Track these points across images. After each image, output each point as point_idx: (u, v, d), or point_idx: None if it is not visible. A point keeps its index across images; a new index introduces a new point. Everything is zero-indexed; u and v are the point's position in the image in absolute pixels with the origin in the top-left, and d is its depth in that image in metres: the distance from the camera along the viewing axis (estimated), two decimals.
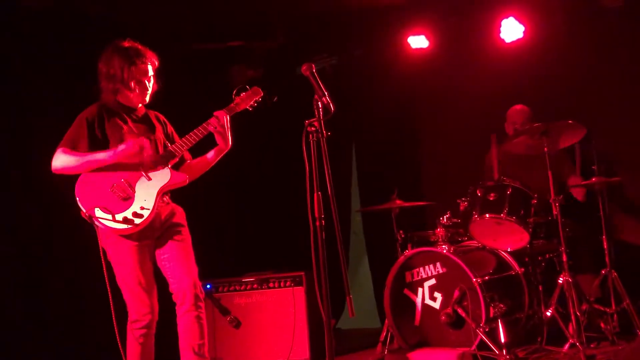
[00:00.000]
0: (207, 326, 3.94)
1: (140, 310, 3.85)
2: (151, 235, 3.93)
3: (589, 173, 4.99)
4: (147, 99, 4.09)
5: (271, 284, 5.48)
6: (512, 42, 6.05)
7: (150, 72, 4.04)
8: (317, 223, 3.25)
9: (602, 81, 5.78)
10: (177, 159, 4.03)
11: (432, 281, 4.94)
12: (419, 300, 4.98)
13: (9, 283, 4.97)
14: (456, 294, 4.73)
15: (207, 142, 4.10)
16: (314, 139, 3.30)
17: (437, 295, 4.90)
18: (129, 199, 3.84)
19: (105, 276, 3.76)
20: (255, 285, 5.52)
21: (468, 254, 5.02)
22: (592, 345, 4.65)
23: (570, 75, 5.87)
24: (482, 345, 4.54)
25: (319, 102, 3.33)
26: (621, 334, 4.78)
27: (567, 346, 4.45)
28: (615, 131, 5.60)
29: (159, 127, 4.13)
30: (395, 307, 5.04)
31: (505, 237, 4.88)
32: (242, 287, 5.54)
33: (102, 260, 3.83)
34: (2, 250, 4.96)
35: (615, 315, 4.84)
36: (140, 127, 4.05)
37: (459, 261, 4.76)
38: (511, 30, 6.02)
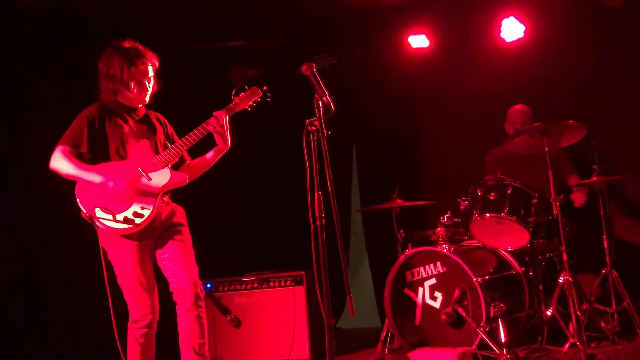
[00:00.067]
0: (208, 325, 3.94)
1: (141, 310, 3.85)
2: (152, 235, 3.93)
3: (589, 173, 4.99)
4: (147, 99, 4.09)
5: (271, 284, 5.48)
6: (513, 42, 6.05)
7: (151, 73, 4.04)
8: (318, 222, 3.25)
9: (603, 81, 5.78)
10: (177, 159, 4.02)
11: (433, 280, 4.94)
12: (419, 299, 4.98)
13: (9, 283, 4.98)
14: (456, 293, 4.73)
15: (207, 142, 4.10)
16: (315, 138, 3.30)
17: (438, 294, 4.90)
18: (129, 200, 3.84)
19: (105, 276, 3.76)
20: (255, 285, 5.52)
21: (468, 254, 5.02)
22: (592, 345, 4.64)
23: (570, 74, 5.87)
24: (483, 345, 4.54)
25: (320, 102, 3.33)
26: (621, 334, 4.78)
27: (567, 346, 4.44)
28: (615, 131, 5.60)
29: (159, 128, 4.13)
30: (395, 306, 5.04)
31: (506, 237, 4.88)
32: (243, 287, 5.54)
33: (103, 260, 3.83)
34: (2, 250, 4.96)
35: (615, 315, 4.84)
36: (141, 127, 4.05)
37: (460, 260, 4.76)
38: (512, 29, 6.02)
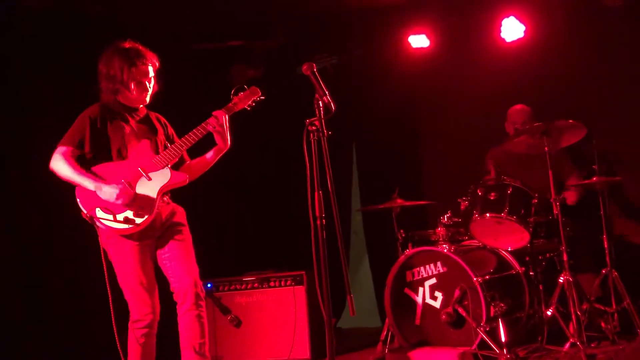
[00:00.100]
0: (208, 325, 3.94)
1: (141, 310, 3.86)
2: (152, 235, 3.93)
3: (589, 173, 4.99)
4: (148, 99, 4.09)
5: (272, 283, 5.48)
6: (513, 42, 6.05)
7: (151, 73, 4.04)
8: (318, 222, 3.25)
9: (603, 81, 5.78)
10: (177, 159, 4.02)
11: (433, 280, 4.94)
12: (419, 299, 4.98)
13: (9, 283, 4.98)
14: (457, 293, 4.73)
15: (207, 142, 4.10)
16: (315, 138, 3.30)
17: (438, 294, 4.90)
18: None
19: (106, 276, 3.76)
20: (255, 285, 5.52)
21: (469, 254, 5.02)
22: (592, 345, 4.64)
23: (570, 74, 5.87)
24: (483, 345, 4.54)
25: (320, 102, 3.33)
26: (622, 334, 4.77)
27: (567, 345, 4.44)
28: (615, 131, 5.60)
29: (159, 129, 4.13)
30: (395, 306, 5.04)
31: (506, 237, 4.88)
32: (243, 286, 5.55)
33: (103, 260, 3.83)
34: (2, 250, 4.96)
35: (615, 315, 4.83)
36: (142, 127, 4.05)
37: (460, 260, 4.76)
38: (512, 29, 6.02)
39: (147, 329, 3.87)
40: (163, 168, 3.92)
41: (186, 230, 4.05)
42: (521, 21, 5.98)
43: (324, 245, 3.24)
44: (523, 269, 4.95)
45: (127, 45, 4.00)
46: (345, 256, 3.70)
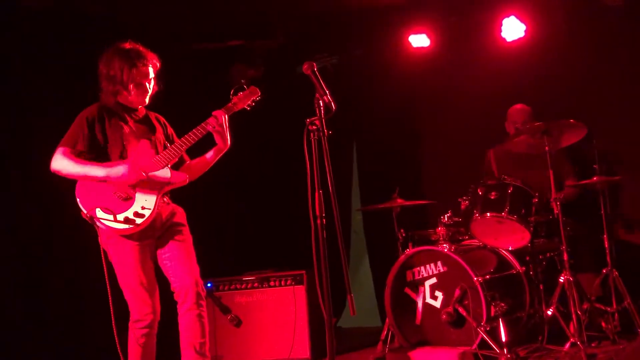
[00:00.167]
0: (208, 325, 3.94)
1: (142, 310, 3.85)
2: (152, 235, 3.93)
3: (590, 172, 4.98)
4: (147, 100, 4.09)
5: (272, 283, 5.48)
6: (513, 41, 6.05)
7: (151, 75, 4.04)
8: (318, 221, 3.25)
9: (603, 80, 5.78)
10: (177, 159, 4.02)
11: (433, 280, 4.93)
12: (419, 299, 4.98)
13: (9, 283, 4.97)
14: (457, 292, 4.73)
15: (207, 142, 4.10)
16: (315, 137, 3.29)
17: (438, 294, 4.90)
18: (129, 199, 3.84)
19: (106, 277, 3.76)
20: (256, 284, 5.52)
21: (469, 253, 5.02)
22: (593, 345, 4.64)
23: (571, 74, 5.87)
24: (483, 344, 4.54)
25: (320, 101, 3.32)
26: (622, 333, 4.78)
27: (568, 345, 4.44)
28: (616, 131, 5.60)
29: (159, 129, 4.13)
30: (396, 305, 5.04)
31: (506, 236, 4.88)
32: (243, 286, 5.55)
33: (103, 260, 3.83)
34: (2, 250, 4.95)
35: (616, 315, 4.84)
36: (141, 127, 4.05)
37: (460, 260, 4.76)
38: (512, 29, 6.02)
39: (147, 329, 3.87)
40: (163, 168, 3.92)
41: (186, 230, 4.05)
42: (522, 21, 5.98)
43: (324, 244, 3.24)
44: (523, 268, 4.95)
45: (127, 46, 3.99)
46: (346, 256, 3.70)
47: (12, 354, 4.85)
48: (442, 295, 4.88)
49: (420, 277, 5.00)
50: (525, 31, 5.99)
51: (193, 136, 3.96)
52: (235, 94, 4.15)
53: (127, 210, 3.82)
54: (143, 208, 3.83)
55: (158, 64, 4.07)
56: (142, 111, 4.12)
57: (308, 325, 5.32)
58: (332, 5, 6.13)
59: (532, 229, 4.75)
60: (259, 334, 5.42)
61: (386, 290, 5.06)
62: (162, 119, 4.22)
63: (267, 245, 6.64)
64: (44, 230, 5.15)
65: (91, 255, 3.94)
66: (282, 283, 5.46)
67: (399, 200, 5.31)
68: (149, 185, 3.88)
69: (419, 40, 6.42)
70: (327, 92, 3.32)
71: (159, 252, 3.98)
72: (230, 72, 6.58)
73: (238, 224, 6.72)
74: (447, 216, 5.11)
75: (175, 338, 3.90)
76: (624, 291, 4.79)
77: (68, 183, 3.89)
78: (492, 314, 4.58)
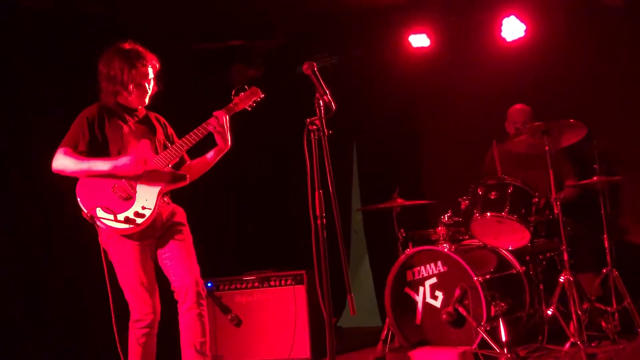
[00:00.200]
0: (208, 324, 3.94)
1: (142, 309, 3.85)
2: (152, 234, 3.93)
3: (590, 172, 4.98)
4: (147, 100, 4.09)
5: (272, 283, 5.48)
6: (513, 41, 6.05)
7: (151, 75, 4.04)
8: (318, 221, 3.25)
9: (603, 80, 5.78)
10: (177, 159, 4.02)
11: (433, 280, 4.93)
12: (420, 298, 4.98)
13: (9, 283, 4.97)
14: (457, 292, 4.73)
15: (207, 142, 4.10)
16: (315, 137, 3.29)
17: (438, 293, 4.90)
18: (130, 199, 3.84)
19: (106, 277, 3.76)
20: (256, 284, 5.53)
21: (469, 253, 5.02)
22: (593, 344, 4.64)
23: (571, 74, 5.87)
24: (483, 344, 4.54)
25: (320, 101, 3.32)
26: (622, 333, 4.78)
27: (568, 345, 4.44)
28: (616, 131, 5.60)
29: (159, 129, 4.13)
30: (396, 305, 5.04)
31: (506, 236, 4.88)
32: (243, 286, 5.55)
33: (103, 260, 3.83)
34: (2, 250, 4.95)
35: (616, 314, 4.84)
36: (141, 127, 4.05)
37: (460, 260, 4.76)
38: (512, 29, 6.02)
39: (147, 329, 3.87)
40: (163, 168, 3.92)
41: (186, 230, 4.05)
42: (522, 21, 5.98)
43: (324, 244, 3.24)
44: (523, 268, 4.95)
45: (127, 46, 3.99)
46: (346, 255, 3.70)
47: (12, 354, 4.85)
48: (442, 295, 4.88)
49: (421, 276, 5.00)
50: (525, 31, 5.99)
51: (194, 136, 3.96)
52: (237, 94, 4.16)
53: (127, 210, 3.82)
54: (143, 208, 3.83)
55: (157, 65, 4.07)
56: (142, 111, 4.12)
57: (308, 325, 5.32)
58: (332, 5, 6.13)
59: (532, 228, 4.75)
60: (259, 334, 5.42)
61: (386, 290, 5.06)
62: (162, 119, 4.23)
63: (267, 245, 6.64)
64: (44, 230, 5.15)
65: (91, 255, 3.94)
66: (283, 283, 5.46)
67: (399, 200, 5.31)
68: (151, 179, 3.88)
69: (419, 40, 6.42)
70: (327, 92, 3.32)
71: (159, 251, 3.98)
72: (230, 72, 6.58)
73: (238, 223, 6.72)
74: (447, 216, 5.11)
75: (176, 338, 3.90)
76: (624, 291, 4.79)
77: (68, 183, 3.89)
78: (492, 313, 4.58)
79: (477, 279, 4.63)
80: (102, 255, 3.84)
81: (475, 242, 5.15)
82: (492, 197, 4.83)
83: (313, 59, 3.59)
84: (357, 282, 7.16)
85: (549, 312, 4.61)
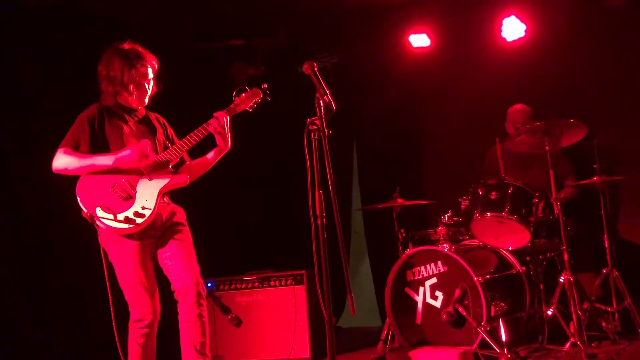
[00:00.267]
0: (208, 324, 3.93)
1: (142, 309, 3.85)
2: (152, 234, 3.92)
3: (590, 172, 4.98)
4: (147, 100, 4.09)
5: (272, 283, 5.48)
6: (514, 41, 6.05)
7: (150, 75, 4.04)
8: (319, 221, 3.25)
9: (604, 80, 5.79)
10: (177, 160, 4.02)
11: (433, 280, 4.93)
12: (420, 299, 4.97)
13: (9, 283, 4.97)
14: (457, 292, 4.73)
15: (208, 143, 4.10)
16: (315, 137, 3.29)
17: (438, 294, 4.90)
18: (130, 199, 3.84)
19: (106, 277, 3.75)
20: (256, 284, 5.53)
21: (469, 253, 5.01)
22: (593, 344, 4.64)
23: (571, 74, 5.88)
24: (483, 344, 4.53)
25: (321, 101, 3.32)
26: (622, 333, 4.78)
27: (568, 345, 4.44)
28: (616, 130, 5.60)
29: (159, 129, 4.13)
30: (396, 305, 5.04)
31: (507, 236, 4.88)
32: (243, 286, 5.55)
33: (103, 260, 3.82)
34: (2, 250, 4.95)
35: (616, 314, 4.84)
36: (141, 128, 4.05)
37: (460, 260, 4.76)
38: (512, 29, 6.02)
39: (147, 329, 3.86)
40: (164, 168, 3.92)
41: (186, 229, 4.05)
42: (522, 21, 5.98)
43: (324, 244, 3.23)
44: (524, 268, 4.94)
45: (126, 46, 3.99)
46: (346, 255, 3.70)
47: (12, 354, 4.85)
48: (443, 295, 4.88)
49: (421, 277, 5.00)
50: (526, 31, 5.99)
51: (194, 137, 3.97)
52: (238, 95, 4.16)
53: (127, 209, 3.81)
54: (143, 208, 3.83)
55: (157, 65, 4.07)
56: (142, 111, 4.12)
57: (308, 325, 5.32)
58: (332, 4, 6.13)
59: (532, 229, 4.75)
60: (259, 334, 5.43)
61: (386, 290, 5.06)
62: (162, 120, 4.23)
63: (267, 245, 6.64)
64: (44, 230, 5.15)
65: (91, 255, 3.94)
66: (283, 283, 5.46)
67: (399, 200, 5.30)
68: (151, 179, 3.88)
69: (419, 40, 6.42)
70: (328, 91, 3.32)
71: (159, 251, 3.98)
72: (231, 71, 6.58)
73: (238, 224, 6.72)
74: (448, 216, 5.11)
75: (176, 338, 3.90)
76: (624, 291, 4.79)
77: (68, 183, 3.88)
78: (492, 313, 4.58)
79: (477, 279, 4.63)
80: (102, 255, 3.84)
81: (475, 242, 5.14)
82: (493, 197, 4.82)
83: (313, 58, 3.59)
84: (357, 282, 7.17)
85: (549, 312, 4.60)
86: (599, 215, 4.97)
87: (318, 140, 3.29)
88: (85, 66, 4.17)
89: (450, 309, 4.73)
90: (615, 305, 4.83)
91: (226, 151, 4.14)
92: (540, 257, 5.02)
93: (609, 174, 4.98)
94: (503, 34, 6.06)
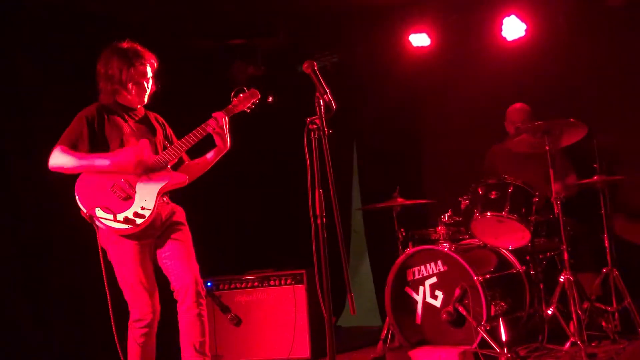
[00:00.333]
0: (208, 324, 3.93)
1: (142, 309, 3.85)
2: (152, 234, 3.92)
3: (590, 171, 4.98)
4: (146, 99, 4.09)
5: (272, 282, 5.48)
6: (514, 41, 6.05)
7: (149, 74, 4.04)
8: (318, 220, 3.25)
9: (604, 80, 5.78)
10: (176, 160, 4.02)
11: (433, 279, 4.93)
12: (420, 298, 4.98)
13: (9, 283, 4.97)
14: (457, 292, 4.73)
15: (207, 143, 4.10)
16: (315, 136, 3.29)
17: (438, 293, 4.90)
18: (129, 199, 3.84)
19: (104, 276, 3.75)
20: (256, 283, 5.53)
21: (469, 252, 5.01)
22: (593, 344, 4.64)
23: (571, 73, 5.87)
24: (483, 344, 4.53)
25: (321, 100, 3.31)
26: (622, 333, 4.78)
27: (568, 345, 4.44)
28: (616, 130, 5.59)
29: (158, 129, 4.13)
30: (396, 305, 5.04)
31: (507, 236, 4.88)
32: (243, 285, 5.55)
33: (102, 260, 3.82)
34: (2, 250, 4.95)
35: (616, 314, 4.83)
36: (141, 127, 4.05)
37: (460, 259, 4.76)
38: (513, 28, 6.01)
39: (147, 329, 3.87)
40: (163, 168, 3.92)
41: (186, 229, 4.05)
42: (522, 20, 5.97)
43: (324, 243, 3.23)
44: (524, 268, 4.95)
45: (125, 45, 3.99)
46: (346, 255, 3.70)
47: (12, 354, 4.85)
48: (442, 294, 4.88)
49: (421, 276, 5.00)
50: (526, 30, 5.98)
51: (193, 137, 3.96)
52: (236, 95, 4.16)
53: (127, 210, 3.81)
54: (143, 208, 3.83)
55: (156, 63, 4.07)
56: (141, 111, 4.12)
57: (308, 324, 5.32)
58: (332, 4, 6.12)
59: (532, 228, 4.75)
60: (259, 333, 5.42)
61: (386, 289, 5.06)
62: (161, 119, 4.22)
63: (267, 245, 6.64)
64: (44, 230, 5.15)
65: (91, 255, 3.93)
66: (282, 282, 5.46)
67: (399, 200, 5.30)
68: (150, 179, 3.88)
69: (419, 40, 6.41)
70: (328, 91, 3.32)
71: (158, 251, 3.97)
72: (231, 70, 6.58)
73: (238, 223, 6.72)
74: (448, 215, 5.11)
75: (175, 337, 3.90)
76: (624, 290, 4.79)
77: (68, 182, 3.88)
78: (492, 313, 4.58)
79: (477, 279, 4.63)
80: (101, 255, 3.84)
81: (475, 241, 5.14)
82: (493, 197, 4.82)
83: (313, 58, 3.59)
84: (357, 281, 7.16)
85: (549, 312, 4.60)
86: (599, 214, 4.97)
87: (318, 139, 3.29)
88: (85, 66, 4.16)
89: (450, 308, 4.73)
90: (615, 305, 4.83)
91: (225, 151, 4.14)
92: (540, 256, 5.02)
93: (609, 173, 4.98)
94: (503, 34, 6.05)
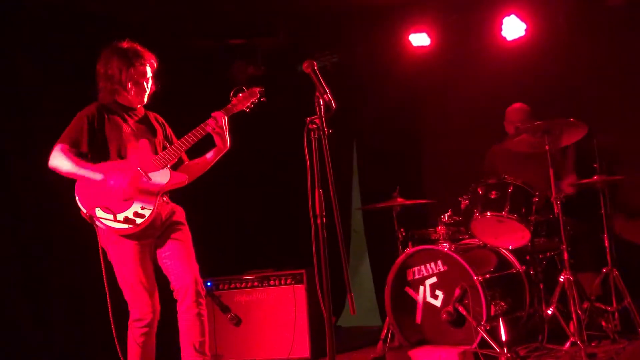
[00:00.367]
0: (208, 323, 3.94)
1: (142, 309, 3.86)
2: (152, 234, 3.92)
3: (590, 171, 4.98)
4: (145, 99, 4.09)
5: (272, 282, 5.48)
6: (514, 41, 6.05)
7: (149, 74, 4.04)
8: (318, 220, 3.25)
9: (604, 80, 5.78)
10: (176, 160, 4.02)
11: (433, 279, 4.93)
12: (420, 298, 4.97)
13: (9, 283, 4.97)
14: (457, 292, 4.73)
15: (207, 143, 4.10)
16: (315, 136, 3.29)
17: (438, 293, 4.90)
18: (129, 199, 3.84)
19: (104, 277, 3.75)
20: (255, 283, 5.52)
21: (469, 252, 5.01)
22: (593, 344, 4.63)
23: (571, 73, 5.87)
24: (483, 344, 4.53)
25: (320, 100, 3.31)
26: (622, 333, 4.78)
27: (568, 344, 4.43)
28: (616, 130, 5.59)
29: (158, 129, 4.13)
30: (396, 305, 5.04)
31: (507, 235, 4.88)
32: (243, 285, 5.55)
33: (102, 260, 3.82)
34: (2, 250, 4.95)
35: (616, 314, 4.84)
36: (141, 127, 4.05)
37: (460, 259, 4.75)
38: (513, 28, 6.01)
39: (146, 329, 3.87)
40: (163, 168, 3.92)
41: (186, 229, 4.05)
42: (522, 20, 5.98)
43: (324, 243, 3.23)
44: (524, 267, 4.94)
45: (125, 45, 4.00)
46: (346, 255, 3.70)
47: (12, 354, 4.85)
48: (442, 294, 4.88)
49: (421, 276, 5.00)
50: (526, 30, 5.99)
51: (192, 137, 3.96)
52: (235, 95, 4.16)
53: (127, 210, 3.81)
54: (143, 208, 3.83)
55: (155, 63, 4.07)
56: (141, 110, 4.12)
57: (308, 324, 5.32)
58: (332, 4, 6.12)
59: (532, 228, 4.75)
60: (259, 333, 5.42)
61: (386, 289, 5.06)
62: (161, 119, 4.22)
63: (267, 244, 6.64)
64: (44, 230, 5.15)
65: (91, 255, 3.94)
66: (282, 282, 5.46)
67: (399, 199, 5.30)
68: (151, 176, 3.88)
69: (419, 39, 6.41)
70: (328, 90, 3.32)
71: (158, 251, 3.98)
72: (231, 71, 6.58)
73: (238, 223, 6.72)
74: (447, 215, 5.11)
75: (175, 337, 3.90)
76: (624, 290, 4.78)
77: (68, 182, 3.89)
78: (492, 313, 4.58)
79: (477, 279, 4.63)
80: (101, 255, 3.84)
81: (475, 241, 5.14)
82: (493, 197, 4.82)
83: (313, 58, 3.58)
84: (357, 281, 7.16)
85: (549, 312, 4.60)
86: (599, 214, 4.97)
87: (318, 139, 3.29)
88: (85, 66, 4.16)
89: (450, 308, 4.73)
90: (615, 305, 4.83)
91: (225, 151, 4.14)
92: (540, 256, 5.02)
93: (609, 173, 4.98)
94: (503, 33, 6.06)
